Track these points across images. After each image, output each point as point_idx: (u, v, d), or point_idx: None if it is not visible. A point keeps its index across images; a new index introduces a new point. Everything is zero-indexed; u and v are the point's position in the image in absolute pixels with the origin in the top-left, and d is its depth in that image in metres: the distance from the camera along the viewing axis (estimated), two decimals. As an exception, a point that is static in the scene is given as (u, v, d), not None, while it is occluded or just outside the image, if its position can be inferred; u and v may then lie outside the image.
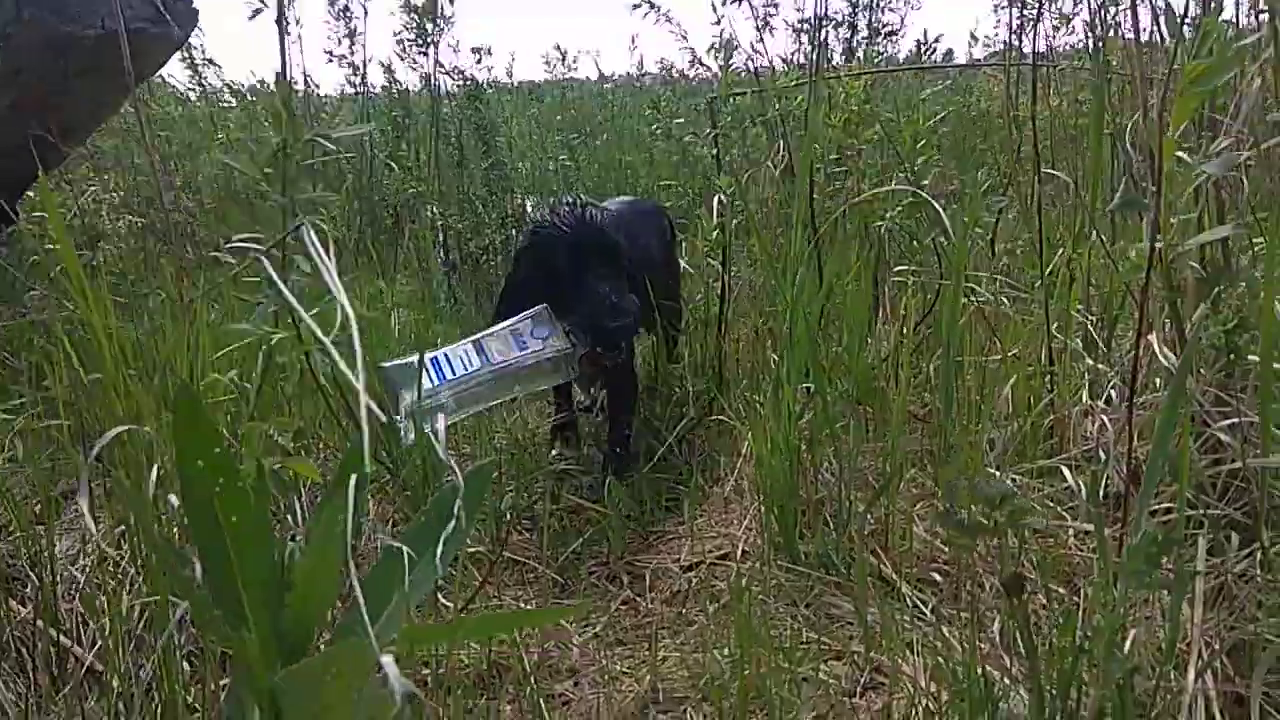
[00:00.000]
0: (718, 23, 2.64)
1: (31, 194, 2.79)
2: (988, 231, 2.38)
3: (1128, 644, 0.97)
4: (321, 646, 0.87)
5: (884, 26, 4.02)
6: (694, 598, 1.53)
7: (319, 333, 0.77)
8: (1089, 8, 2.29)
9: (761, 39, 2.83)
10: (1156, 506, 1.24)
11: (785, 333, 1.68)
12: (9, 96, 2.47)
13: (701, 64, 3.45)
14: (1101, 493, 1.33)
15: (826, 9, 2.71)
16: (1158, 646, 1.05)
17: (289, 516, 1.12)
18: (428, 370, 1.60)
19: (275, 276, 0.89)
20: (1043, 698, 0.92)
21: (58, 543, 1.46)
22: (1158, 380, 1.46)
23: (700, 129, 3.22)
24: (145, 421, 1.38)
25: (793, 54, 3.51)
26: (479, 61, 3.67)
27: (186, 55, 4.55)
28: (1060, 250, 1.90)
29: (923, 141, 2.31)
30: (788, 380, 1.60)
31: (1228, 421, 1.26)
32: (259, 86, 5.00)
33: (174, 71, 4.78)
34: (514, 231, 3.32)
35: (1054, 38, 3.25)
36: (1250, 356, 1.25)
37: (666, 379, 2.25)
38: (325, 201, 1.08)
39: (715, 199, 2.19)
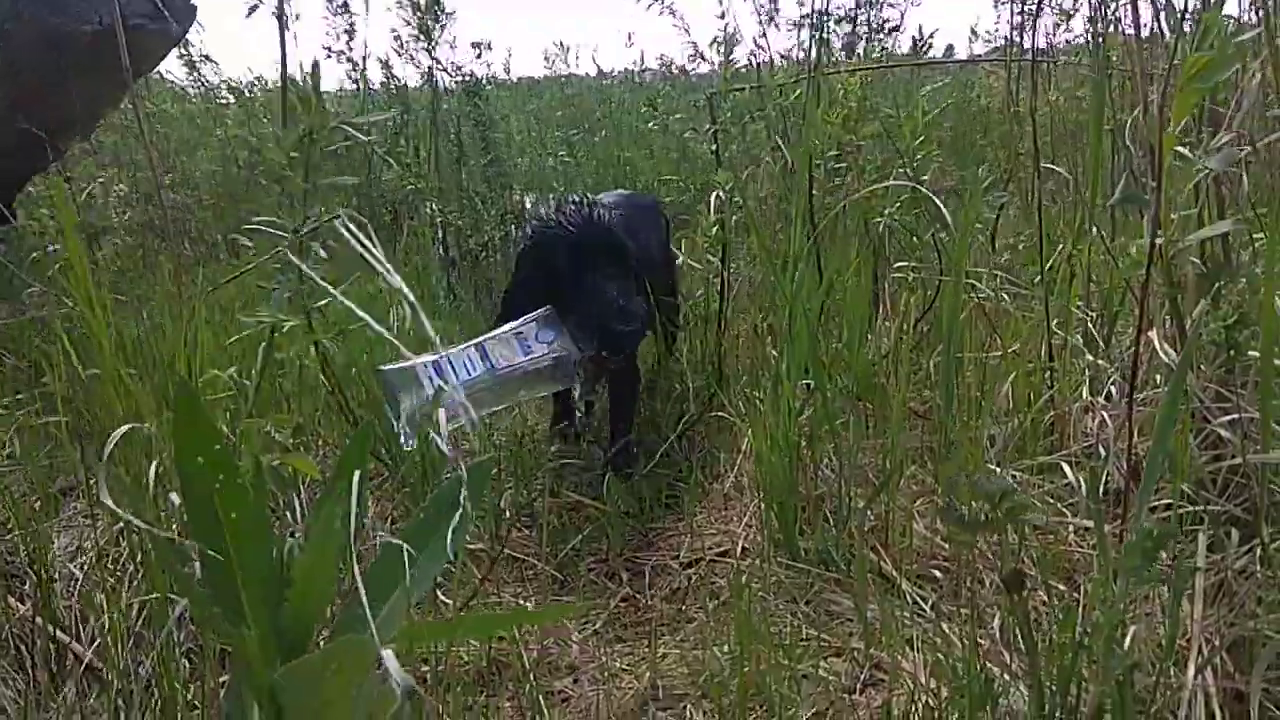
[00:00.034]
0: (722, 15, 2.65)
1: (31, 190, 2.79)
2: (988, 227, 2.38)
3: (1128, 640, 0.97)
4: (321, 643, 0.87)
5: (884, 22, 4.02)
6: (693, 594, 1.53)
7: (360, 312, 0.77)
8: (1089, 3, 2.29)
9: (765, 33, 2.83)
10: (1157, 503, 1.24)
11: (785, 329, 1.67)
12: (7, 93, 2.47)
13: (702, 58, 3.44)
14: (1101, 489, 1.33)
15: (828, 4, 2.71)
16: (1158, 643, 1.05)
17: (288, 513, 1.12)
18: (430, 374, 1.57)
19: (296, 260, 0.89)
20: (1043, 694, 0.92)
21: (56, 539, 1.46)
22: (1158, 376, 1.46)
23: (700, 125, 3.21)
24: (144, 418, 1.38)
25: (792, 49, 3.51)
26: (479, 56, 3.66)
27: (185, 52, 4.56)
28: (1060, 246, 1.90)
29: (922, 137, 2.30)
30: (787, 376, 1.60)
31: (1228, 417, 1.26)
32: (256, 83, 5.01)
33: (172, 68, 4.79)
34: (513, 228, 3.31)
35: (1054, 33, 3.26)
36: (1250, 352, 1.24)
37: (666, 375, 2.25)
38: (345, 186, 1.08)
39: (714, 195, 2.18)
